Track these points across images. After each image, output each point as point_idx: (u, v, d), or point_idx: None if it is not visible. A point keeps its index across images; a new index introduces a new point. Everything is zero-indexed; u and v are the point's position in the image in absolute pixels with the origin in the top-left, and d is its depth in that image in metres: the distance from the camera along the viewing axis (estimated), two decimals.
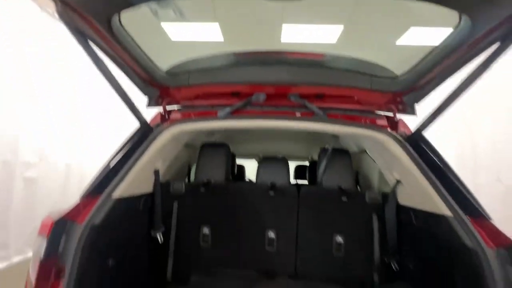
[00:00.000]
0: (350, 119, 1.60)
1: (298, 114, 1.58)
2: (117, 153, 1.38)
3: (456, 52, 1.20)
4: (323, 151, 1.86)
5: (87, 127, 4.70)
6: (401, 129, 1.62)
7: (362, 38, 1.65)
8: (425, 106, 1.55)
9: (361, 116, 1.66)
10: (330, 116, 1.58)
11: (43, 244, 1.03)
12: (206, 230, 1.71)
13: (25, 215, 3.59)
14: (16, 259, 3.50)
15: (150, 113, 1.72)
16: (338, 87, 1.64)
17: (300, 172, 3.38)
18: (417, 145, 1.41)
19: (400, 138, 1.39)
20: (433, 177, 1.24)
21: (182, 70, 1.63)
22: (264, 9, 1.34)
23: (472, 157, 4.20)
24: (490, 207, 3.72)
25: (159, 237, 1.55)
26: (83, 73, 4.37)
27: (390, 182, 1.63)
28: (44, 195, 3.84)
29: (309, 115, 1.56)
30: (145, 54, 1.43)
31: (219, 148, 1.92)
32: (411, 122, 1.68)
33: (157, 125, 1.52)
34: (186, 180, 2.41)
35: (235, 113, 1.55)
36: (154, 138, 1.38)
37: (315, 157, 1.96)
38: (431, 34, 1.35)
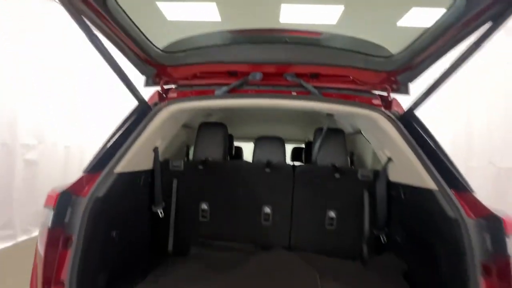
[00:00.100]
0: (344, 98, 1.63)
1: (294, 93, 1.61)
2: (117, 131, 1.41)
3: (449, 31, 1.22)
4: (318, 130, 1.91)
5: (85, 110, 4.71)
6: (394, 108, 1.65)
7: (359, 17, 1.65)
8: (418, 86, 1.58)
9: (355, 95, 1.69)
10: (325, 95, 1.61)
11: (50, 215, 1.09)
12: (204, 206, 1.79)
13: (27, 197, 3.68)
14: (21, 238, 3.62)
15: (147, 94, 1.75)
16: (334, 67, 1.66)
17: (296, 154, 3.45)
18: (408, 123, 1.45)
19: (392, 116, 1.43)
20: (422, 154, 1.29)
21: (178, 48, 1.63)
22: None
23: (467, 140, 4.28)
24: (483, 188, 3.85)
25: (160, 212, 1.63)
26: (80, 55, 4.32)
27: (382, 160, 1.69)
28: (45, 177, 3.91)
29: (305, 94, 1.59)
30: (141, 32, 1.43)
31: (217, 127, 1.96)
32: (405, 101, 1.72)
33: (155, 104, 1.55)
34: (185, 159, 2.46)
35: (232, 92, 1.58)
36: (152, 116, 1.42)
37: (311, 139, 2.01)
38: (426, 13, 1.36)
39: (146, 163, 1.57)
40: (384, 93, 1.74)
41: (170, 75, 1.72)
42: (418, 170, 1.29)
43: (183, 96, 1.64)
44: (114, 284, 1.27)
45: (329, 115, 1.85)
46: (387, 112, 1.45)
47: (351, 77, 1.71)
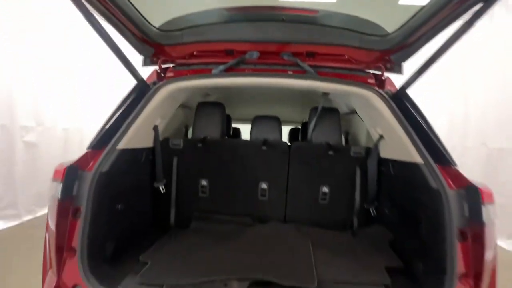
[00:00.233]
0: (339, 77, 1.66)
1: (290, 72, 1.64)
2: (117, 109, 1.45)
3: (444, 10, 1.24)
4: (314, 109, 1.96)
5: (82, 93, 4.70)
6: (387, 86, 1.70)
7: None
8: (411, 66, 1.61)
9: (350, 74, 1.73)
10: (320, 74, 1.65)
11: (58, 187, 1.15)
12: (204, 182, 1.87)
13: (29, 178, 3.76)
14: (26, 218, 3.73)
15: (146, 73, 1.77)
16: (330, 46, 1.68)
17: (293, 135, 3.51)
18: (400, 101, 1.50)
19: (385, 95, 1.48)
20: (411, 131, 1.35)
21: (175, 27, 1.64)
22: None
23: (463, 122, 4.36)
24: (475, 168, 3.94)
25: (161, 188, 1.70)
26: (77, 36, 4.34)
27: (374, 138, 1.76)
28: (45, 159, 3.97)
29: (301, 73, 1.62)
30: (137, 10, 1.43)
31: (215, 107, 2.00)
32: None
33: (154, 83, 1.57)
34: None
35: (229, 71, 1.61)
36: (152, 95, 1.46)
37: (308, 120, 2.07)
38: None
39: (146, 141, 1.62)
40: (378, 72, 1.78)
41: (168, 54, 1.73)
42: (407, 146, 1.36)
43: (181, 75, 1.67)
44: (120, 252, 1.36)
45: (325, 94, 1.89)
46: (380, 90, 1.50)
47: (346, 56, 1.73)
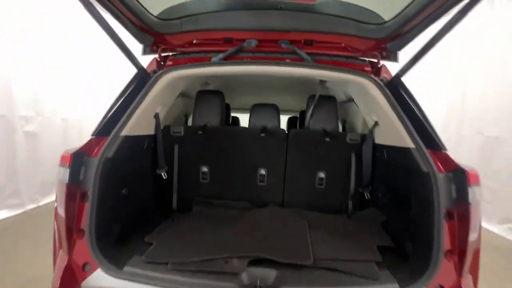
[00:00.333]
0: (336, 64, 1.70)
1: (288, 60, 1.67)
2: (119, 97, 1.49)
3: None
4: (311, 97, 2.00)
5: (80, 83, 4.71)
6: (383, 74, 1.73)
7: None
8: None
9: (347, 62, 1.76)
10: (318, 62, 1.68)
11: (66, 173, 1.20)
12: (204, 169, 1.93)
13: (31, 167, 3.81)
14: (30, 206, 3.80)
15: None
16: (327, 34, 1.71)
17: (292, 123, 3.56)
18: (395, 89, 1.54)
19: (380, 82, 1.52)
20: (405, 117, 1.40)
21: (174, 16, 1.65)
22: None
23: (460, 110, 4.40)
24: (470, 155, 4.00)
25: (163, 174, 1.76)
26: (77, 35, 4.42)
27: (369, 124, 1.81)
28: (45, 149, 4.02)
29: (298, 61, 1.65)
30: None
31: (215, 95, 2.03)
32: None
33: (154, 71, 1.60)
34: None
35: (228, 59, 1.64)
36: (153, 83, 1.49)
37: (305, 108, 2.11)
38: None
39: (148, 128, 1.67)
40: (375, 60, 1.81)
41: (167, 43, 1.75)
42: (400, 132, 1.41)
43: (180, 63, 1.70)
44: (126, 234, 1.43)
45: (322, 82, 1.93)
46: (375, 78, 1.54)
47: (343, 44, 1.76)
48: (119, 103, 1.47)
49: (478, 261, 1.23)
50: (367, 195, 1.80)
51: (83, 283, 1.15)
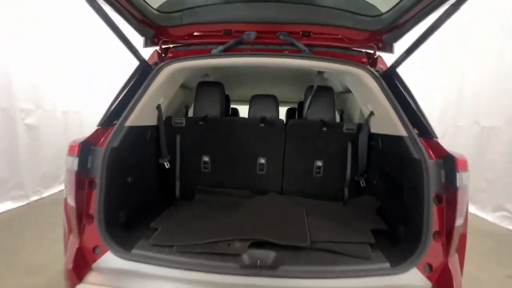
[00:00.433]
0: (333, 56, 1.74)
1: (286, 52, 1.71)
2: (122, 89, 1.53)
3: None
4: (309, 88, 2.04)
5: (80, 76, 4.73)
6: (379, 65, 1.77)
7: None
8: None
9: (344, 53, 1.80)
10: (315, 53, 1.72)
11: (74, 161, 1.26)
12: (206, 158, 1.99)
13: (33, 159, 3.86)
14: (33, 198, 3.87)
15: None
16: (325, 26, 1.74)
17: (290, 114, 3.61)
18: (390, 79, 1.59)
19: (375, 73, 1.56)
20: (398, 107, 1.46)
21: (174, 8, 1.68)
22: None
23: (457, 101, 4.45)
24: (466, 145, 4.07)
25: (166, 164, 1.82)
26: (77, 36, 4.46)
27: (365, 114, 1.86)
28: (46, 141, 4.07)
29: (296, 53, 1.69)
30: None
31: (215, 86, 2.08)
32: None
33: (155, 63, 1.64)
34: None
35: (228, 51, 1.67)
36: (155, 75, 1.53)
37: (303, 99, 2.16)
38: None
39: (151, 119, 1.72)
40: (371, 51, 1.85)
41: (168, 36, 1.78)
42: (394, 121, 1.47)
43: (181, 55, 1.73)
44: (132, 220, 1.50)
45: (319, 73, 1.97)
46: (371, 69, 1.58)
47: (340, 36, 1.80)
48: (122, 94, 1.51)
49: (465, 242, 1.31)
50: (362, 183, 1.87)
51: (94, 265, 1.22)
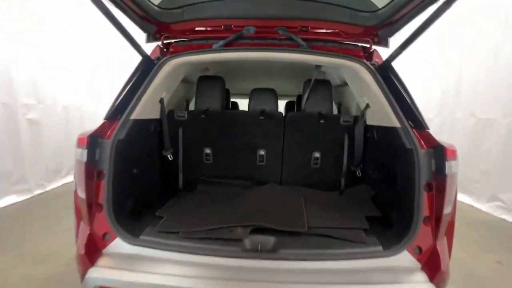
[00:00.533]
0: (330, 50, 1.79)
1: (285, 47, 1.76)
2: (126, 83, 1.58)
3: None
4: (307, 82, 2.10)
5: (80, 75, 4.77)
6: (375, 59, 1.83)
7: None
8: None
9: (341, 47, 1.85)
10: (313, 48, 1.77)
11: (83, 153, 1.32)
12: (208, 150, 2.05)
13: (36, 154, 3.92)
14: (37, 192, 3.94)
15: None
16: (322, 21, 1.79)
17: (289, 107, 3.66)
18: (385, 72, 1.64)
19: (371, 67, 1.62)
20: (392, 99, 1.52)
21: (175, 5, 1.71)
22: None
23: (454, 94, 4.51)
24: (464, 136, 4.14)
25: (169, 156, 1.89)
26: (77, 36, 4.52)
27: (361, 107, 1.92)
28: (48, 136, 4.13)
29: (295, 47, 1.74)
30: None
31: (215, 80, 2.13)
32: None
33: (158, 58, 1.69)
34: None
35: (228, 46, 1.72)
36: (157, 70, 1.58)
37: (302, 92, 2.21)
38: None
39: (154, 113, 1.78)
40: (367, 45, 1.90)
41: (170, 31, 1.83)
42: (388, 113, 1.53)
43: (182, 50, 1.78)
44: (138, 209, 1.57)
45: (317, 67, 2.02)
46: (367, 63, 1.63)
47: (337, 31, 1.84)
48: (127, 89, 1.56)
49: (453, 226, 1.39)
50: (358, 173, 1.95)
51: (104, 250, 1.30)
